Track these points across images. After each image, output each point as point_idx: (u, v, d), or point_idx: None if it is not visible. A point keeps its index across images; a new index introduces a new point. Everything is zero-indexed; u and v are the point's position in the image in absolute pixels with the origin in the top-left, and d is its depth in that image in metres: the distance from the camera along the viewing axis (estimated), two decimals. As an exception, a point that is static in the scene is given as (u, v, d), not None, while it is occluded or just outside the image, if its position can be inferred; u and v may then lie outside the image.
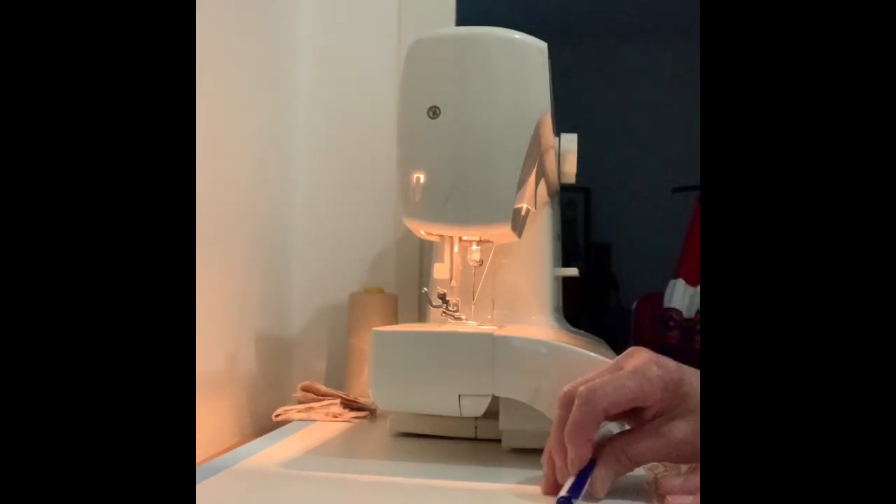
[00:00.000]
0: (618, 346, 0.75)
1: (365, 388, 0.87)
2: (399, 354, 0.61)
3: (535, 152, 0.66)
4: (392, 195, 0.99)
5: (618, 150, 3.23)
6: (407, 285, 1.00)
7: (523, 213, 0.70)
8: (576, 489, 0.47)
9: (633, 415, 0.50)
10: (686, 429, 0.49)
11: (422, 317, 0.99)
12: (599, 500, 0.49)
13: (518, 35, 0.63)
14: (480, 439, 0.69)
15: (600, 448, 0.49)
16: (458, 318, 0.69)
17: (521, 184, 0.64)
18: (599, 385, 0.48)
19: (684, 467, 0.53)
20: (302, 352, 0.99)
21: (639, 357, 0.51)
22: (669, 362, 0.50)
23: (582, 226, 3.42)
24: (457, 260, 0.68)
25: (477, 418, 0.68)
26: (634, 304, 2.53)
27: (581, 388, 0.48)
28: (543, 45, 0.63)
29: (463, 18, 0.99)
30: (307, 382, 0.82)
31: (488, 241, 0.71)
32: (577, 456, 0.48)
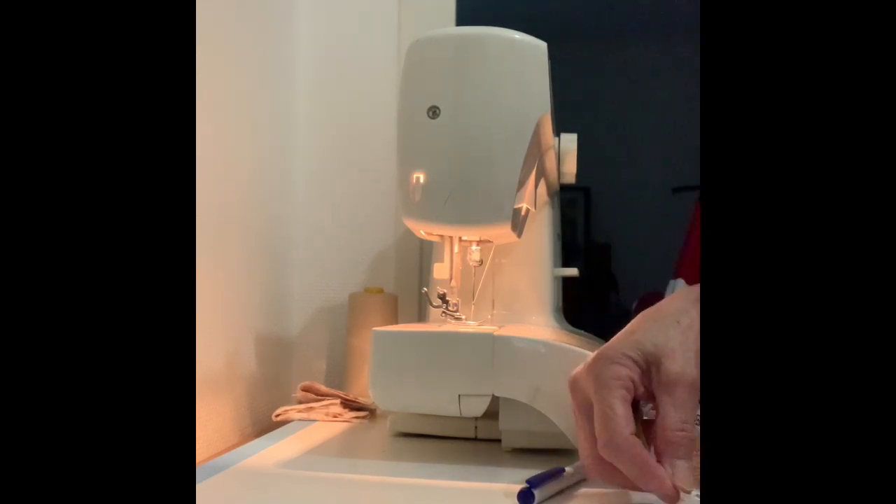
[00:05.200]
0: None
1: (365, 388, 0.87)
2: (399, 354, 0.61)
3: (534, 152, 0.66)
4: (392, 195, 0.99)
5: (618, 150, 3.23)
6: (407, 285, 1.00)
7: (523, 213, 0.70)
8: (538, 481, 0.49)
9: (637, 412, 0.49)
10: (678, 367, 0.47)
11: (422, 317, 0.99)
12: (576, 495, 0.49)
13: (518, 35, 0.63)
14: (480, 439, 0.69)
15: (658, 446, 0.47)
16: (458, 318, 0.69)
17: (521, 184, 0.63)
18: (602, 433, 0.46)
19: None
20: (302, 352, 0.99)
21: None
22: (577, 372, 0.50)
23: (582, 226, 3.42)
24: (457, 260, 0.68)
25: (477, 418, 0.68)
26: (634, 304, 2.52)
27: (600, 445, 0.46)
28: (543, 45, 0.63)
29: (463, 18, 0.99)
30: (307, 382, 0.82)
31: (488, 241, 0.71)
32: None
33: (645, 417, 0.50)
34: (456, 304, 0.68)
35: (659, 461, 0.46)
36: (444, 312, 0.67)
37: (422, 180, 0.62)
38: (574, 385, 0.50)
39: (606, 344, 0.50)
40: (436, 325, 0.68)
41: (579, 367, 0.50)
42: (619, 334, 0.50)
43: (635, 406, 0.48)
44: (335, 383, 0.93)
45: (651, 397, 0.48)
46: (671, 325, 0.49)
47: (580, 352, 0.60)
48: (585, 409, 0.48)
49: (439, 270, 0.68)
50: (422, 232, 0.66)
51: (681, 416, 0.46)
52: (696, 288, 0.51)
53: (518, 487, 0.50)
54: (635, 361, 0.48)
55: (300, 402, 0.80)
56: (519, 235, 0.69)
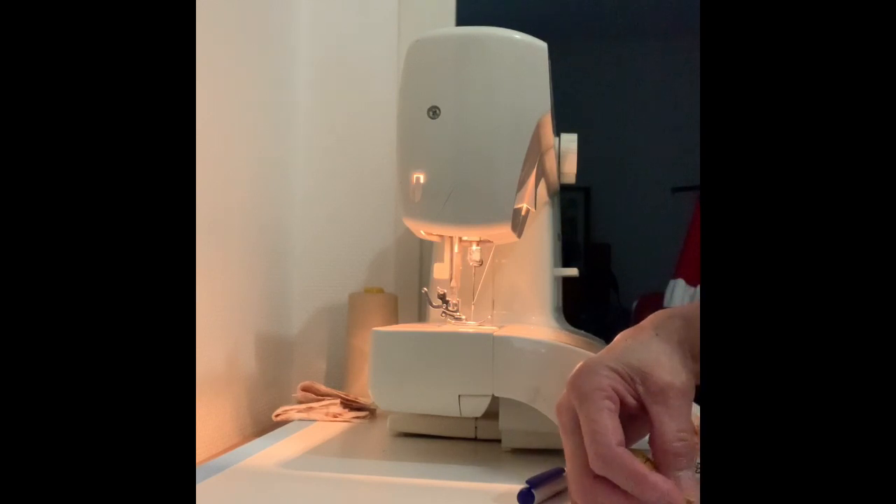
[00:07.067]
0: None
1: (365, 388, 0.87)
2: (399, 354, 0.61)
3: (535, 152, 0.66)
4: (392, 195, 0.99)
5: (618, 150, 3.23)
6: (407, 285, 1.00)
7: (523, 213, 0.70)
8: (538, 481, 0.49)
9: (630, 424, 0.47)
10: (667, 375, 0.45)
11: (422, 317, 0.99)
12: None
13: (518, 35, 0.63)
14: (480, 439, 0.69)
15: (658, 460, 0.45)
16: (458, 319, 0.69)
17: (521, 184, 0.64)
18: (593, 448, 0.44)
19: None
20: (302, 352, 0.99)
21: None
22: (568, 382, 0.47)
23: (582, 226, 3.42)
24: (457, 260, 0.68)
25: (477, 418, 0.68)
26: (634, 304, 2.53)
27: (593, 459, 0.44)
28: (543, 45, 0.63)
29: (463, 18, 0.99)
30: (307, 382, 0.82)
31: (488, 241, 0.71)
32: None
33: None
34: (456, 304, 0.68)
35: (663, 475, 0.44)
36: (444, 312, 0.67)
37: (422, 180, 0.62)
38: (560, 409, 0.47)
39: (586, 360, 0.48)
40: (436, 325, 0.68)
41: (563, 394, 0.48)
42: (598, 353, 0.49)
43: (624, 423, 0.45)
44: (335, 383, 0.93)
45: (642, 412, 0.46)
46: (651, 338, 0.48)
47: (580, 352, 0.60)
48: (572, 428, 0.46)
49: (439, 270, 0.68)
50: (422, 232, 0.66)
51: (677, 424, 0.45)
52: (664, 311, 0.51)
53: (518, 487, 0.50)
54: (617, 372, 0.46)
55: (300, 402, 0.80)
56: (519, 235, 0.69)
